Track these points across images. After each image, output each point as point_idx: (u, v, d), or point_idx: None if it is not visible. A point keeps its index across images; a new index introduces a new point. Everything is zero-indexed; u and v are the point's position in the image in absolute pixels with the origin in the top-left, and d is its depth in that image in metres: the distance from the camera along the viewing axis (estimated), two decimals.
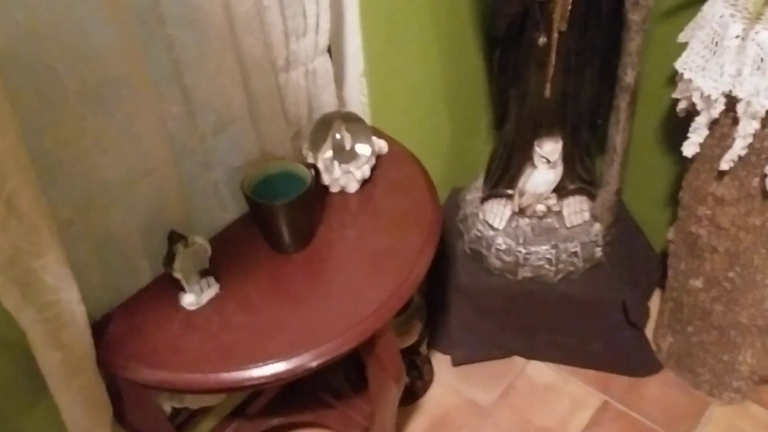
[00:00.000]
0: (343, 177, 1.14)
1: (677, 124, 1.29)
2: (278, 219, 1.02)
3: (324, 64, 1.19)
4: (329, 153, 1.17)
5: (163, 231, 1.00)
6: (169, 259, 0.95)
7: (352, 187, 1.16)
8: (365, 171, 1.16)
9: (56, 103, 0.83)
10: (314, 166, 1.07)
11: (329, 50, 1.20)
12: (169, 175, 1.00)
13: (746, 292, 1.31)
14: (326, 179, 1.15)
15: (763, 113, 1.04)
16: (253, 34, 1.02)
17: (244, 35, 1.01)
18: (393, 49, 1.33)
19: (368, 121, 1.35)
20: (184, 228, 1.03)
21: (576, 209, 1.47)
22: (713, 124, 1.16)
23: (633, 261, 1.56)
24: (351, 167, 1.14)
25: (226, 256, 1.07)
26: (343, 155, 1.16)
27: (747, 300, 1.31)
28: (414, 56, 1.40)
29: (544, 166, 1.39)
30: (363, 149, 1.18)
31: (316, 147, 1.15)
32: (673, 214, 1.44)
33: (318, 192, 1.10)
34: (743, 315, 1.34)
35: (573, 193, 1.47)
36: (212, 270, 1.01)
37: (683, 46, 1.16)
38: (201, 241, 0.99)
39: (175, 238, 0.96)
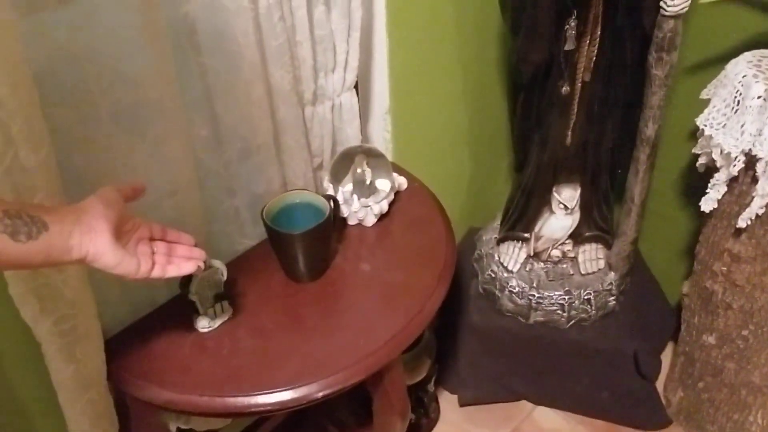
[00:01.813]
0: (362, 210, 1.16)
1: (696, 178, 1.29)
2: (295, 248, 1.04)
3: (350, 99, 1.22)
4: (349, 186, 1.19)
5: None
6: (186, 281, 0.97)
7: (370, 220, 1.18)
8: (383, 206, 1.17)
9: (89, 122, 0.86)
10: (333, 198, 1.08)
11: (356, 86, 1.23)
12: (192, 198, 1.02)
13: (759, 351, 1.29)
14: (345, 211, 1.16)
15: None
16: (283, 67, 1.05)
17: (274, 68, 1.04)
18: (419, 88, 1.36)
19: (390, 157, 1.37)
20: (205, 248, 1.04)
21: (591, 257, 1.47)
22: (732, 181, 1.16)
23: (646, 312, 1.55)
24: (370, 201, 1.16)
25: (242, 281, 1.08)
26: (363, 189, 1.18)
27: (760, 359, 1.30)
28: (439, 97, 1.43)
29: (562, 212, 1.40)
30: (383, 184, 1.20)
31: (337, 179, 1.17)
32: (689, 267, 1.44)
33: (336, 224, 1.11)
34: (755, 374, 1.32)
35: (589, 240, 1.47)
36: (227, 294, 1.02)
37: (705, 102, 1.18)
38: (218, 265, 1.00)
39: None
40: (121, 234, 0.74)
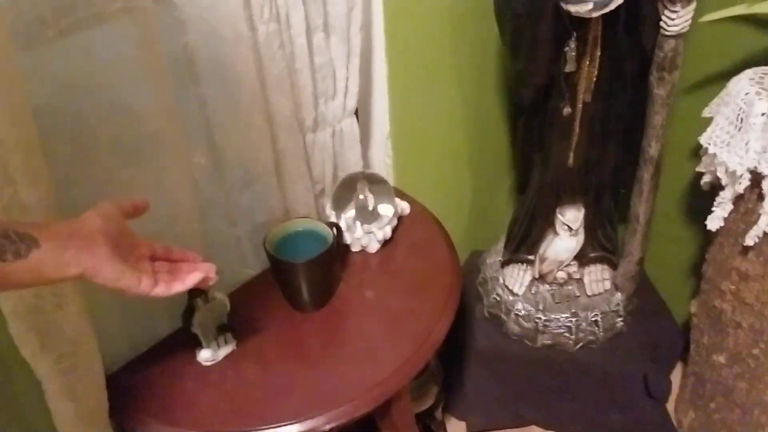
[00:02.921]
0: (365, 237, 1.15)
1: (701, 196, 1.28)
2: (298, 277, 1.02)
3: (351, 125, 1.22)
4: (352, 213, 1.18)
5: None
6: (188, 313, 0.95)
7: (374, 247, 1.16)
8: (387, 232, 1.16)
9: (88, 155, 0.85)
10: (336, 226, 1.07)
11: (356, 112, 1.23)
12: (193, 228, 1.01)
13: None
14: (348, 238, 1.15)
15: None
16: (283, 95, 1.04)
17: (274, 96, 1.04)
18: (419, 112, 1.35)
19: (392, 181, 1.37)
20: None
21: (597, 278, 1.45)
22: (738, 198, 1.15)
23: (655, 332, 1.53)
24: (373, 227, 1.15)
25: (245, 312, 1.06)
26: (366, 215, 1.17)
27: None
28: (439, 120, 1.42)
29: (566, 234, 1.39)
30: (385, 210, 1.19)
31: (339, 206, 1.16)
32: (696, 286, 1.42)
33: (339, 251, 1.10)
34: (767, 394, 1.30)
35: (594, 261, 1.45)
36: (230, 326, 1.01)
37: (708, 120, 1.17)
38: (220, 297, 0.99)
39: (195, 293, 0.96)
40: (120, 249, 0.69)
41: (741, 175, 1.08)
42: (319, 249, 1.02)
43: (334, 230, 1.05)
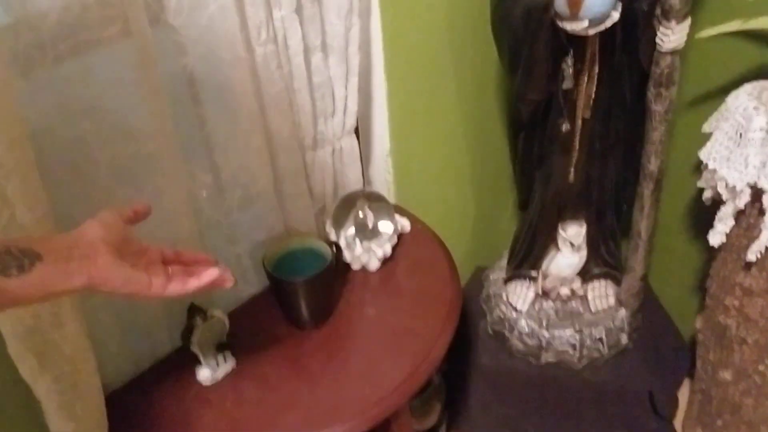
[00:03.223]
0: (365, 255, 1.15)
1: (704, 211, 1.28)
2: (297, 295, 1.03)
3: (350, 143, 1.22)
4: (352, 230, 1.18)
5: (184, 303, 1.01)
6: (188, 332, 0.96)
7: (374, 265, 1.17)
8: (387, 249, 1.16)
9: (87, 177, 0.86)
10: (336, 244, 1.08)
11: (356, 130, 1.24)
12: (193, 248, 1.01)
13: None
14: (348, 256, 1.16)
15: None
16: (282, 114, 1.05)
17: (273, 115, 1.05)
18: (419, 130, 1.36)
19: (393, 198, 1.37)
20: (204, 300, 1.04)
21: (601, 294, 1.45)
22: (739, 214, 1.14)
23: (660, 348, 1.52)
24: (373, 245, 1.15)
25: (245, 330, 1.07)
26: (366, 233, 1.17)
27: None
28: (440, 137, 1.43)
29: (568, 250, 1.38)
30: (385, 228, 1.19)
31: (339, 224, 1.16)
32: (702, 302, 1.41)
33: (339, 269, 1.11)
34: None
35: (598, 277, 1.45)
36: (230, 344, 1.01)
37: (709, 134, 1.17)
38: (220, 315, 0.99)
39: (194, 311, 0.97)
40: (125, 255, 0.66)
41: (741, 191, 1.08)
42: (318, 267, 1.02)
43: (334, 248, 1.06)
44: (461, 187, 1.56)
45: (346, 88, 1.16)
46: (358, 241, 1.15)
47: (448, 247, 1.25)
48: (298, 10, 1.02)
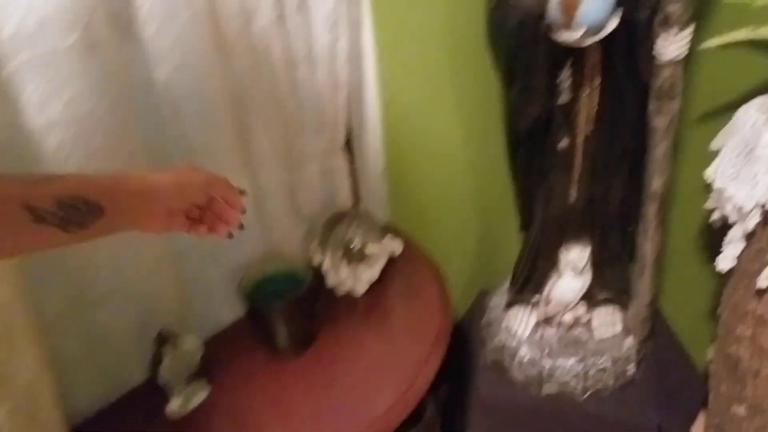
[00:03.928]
0: (350, 278, 1.09)
1: (716, 234, 1.20)
2: (274, 322, 0.97)
3: (340, 161, 1.17)
4: (337, 252, 1.12)
5: (158, 329, 0.96)
6: (156, 362, 0.90)
7: (360, 288, 1.11)
8: (374, 273, 1.11)
9: None
10: (316, 267, 1.02)
11: (349, 146, 1.19)
12: (165, 272, 0.96)
13: None
14: (333, 280, 1.10)
15: None
16: (263, 129, 1.01)
17: (253, 130, 1.00)
18: (415, 146, 1.31)
19: (387, 218, 1.32)
20: (180, 326, 0.99)
21: (607, 320, 1.37)
22: (750, 236, 1.07)
23: (671, 379, 1.43)
24: (359, 268, 1.09)
25: (222, 358, 1.01)
26: (352, 255, 1.12)
27: None
28: (438, 153, 1.37)
29: (571, 274, 1.31)
30: (373, 250, 1.13)
31: (325, 246, 1.11)
32: (716, 329, 1.33)
33: (322, 293, 1.05)
34: None
35: (603, 302, 1.37)
36: (203, 372, 0.95)
37: (718, 153, 1.10)
38: (192, 343, 0.94)
39: (163, 339, 0.92)
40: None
41: (751, 211, 1.01)
42: (298, 292, 0.97)
43: (315, 272, 1.00)
44: (462, 206, 1.50)
45: (334, 103, 1.11)
46: (343, 264, 1.09)
47: (448, 269, 1.19)
48: (280, 21, 0.97)
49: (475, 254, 1.58)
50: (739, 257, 1.11)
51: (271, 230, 1.09)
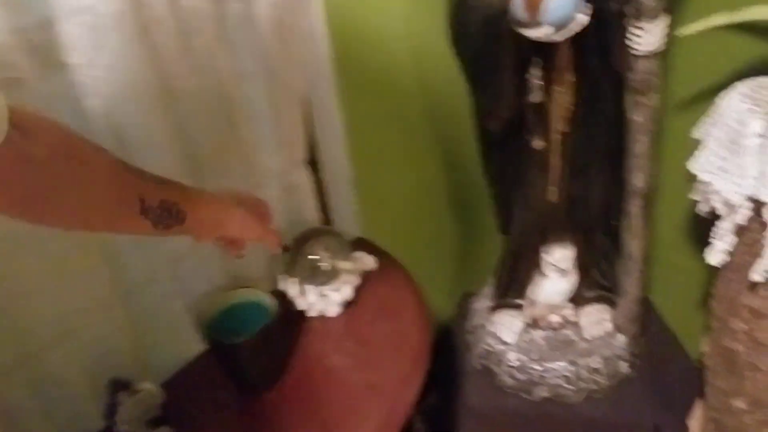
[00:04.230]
0: (320, 301, 1.03)
1: (705, 221, 1.14)
2: (239, 358, 0.91)
3: (302, 176, 1.11)
4: (305, 274, 1.05)
5: (115, 372, 0.89)
6: (110, 411, 0.84)
7: (332, 311, 1.04)
8: (346, 293, 1.04)
9: None
10: (282, 293, 0.96)
11: (314, 161, 1.12)
12: (116, 312, 0.90)
13: None
14: (302, 304, 1.03)
15: None
16: (217, 149, 0.94)
17: (204, 152, 0.93)
18: (383, 154, 1.24)
19: (359, 231, 1.25)
20: (138, 368, 0.92)
21: (595, 319, 1.31)
22: (741, 228, 1.01)
23: (666, 374, 1.38)
24: (329, 290, 1.03)
25: (186, 397, 0.95)
26: (322, 276, 1.04)
27: None
28: (407, 159, 1.31)
29: (555, 275, 1.25)
30: (344, 269, 1.06)
31: (290, 268, 1.04)
32: (709, 317, 1.27)
33: (292, 320, 0.99)
34: None
35: (591, 301, 1.32)
36: (165, 418, 0.89)
37: (700, 140, 1.04)
38: (149, 387, 0.88)
39: (117, 386, 0.85)
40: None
41: (740, 205, 0.95)
42: (264, 322, 0.90)
43: (280, 299, 0.93)
44: (437, 211, 1.44)
45: (290, 117, 1.04)
46: (311, 287, 1.02)
47: (429, 275, 1.12)
48: (223, 36, 0.90)
49: (455, 257, 1.53)
50: (731, 250, 1.05)
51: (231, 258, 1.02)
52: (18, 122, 0.52)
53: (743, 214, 0.96)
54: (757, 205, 0.95)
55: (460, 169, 1.42)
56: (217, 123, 0.95)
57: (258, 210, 0.84)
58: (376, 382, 0.94)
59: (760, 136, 0.90)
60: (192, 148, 0.92)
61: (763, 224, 0.96)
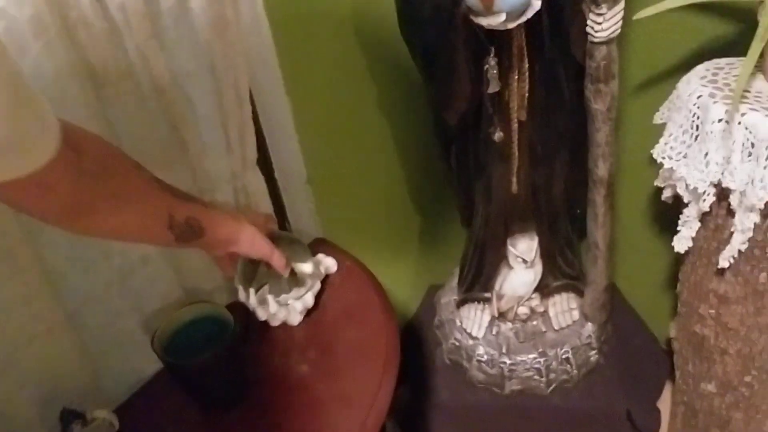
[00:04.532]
0: (281, 310, 0.98)
1: (668, 205, 1.13)
2: (199, 378, 0.86)
3: (255, 178, 1.05)
4: (264, 283, 1.01)
5: (67, 400, 0.84)
6: None
7: (295, 319, 1.00)
8: (307, 300, 1.00)
9: None
10: (241, 307, 0.91)
11: (267, 161, 1.07)
12: (62, 337, 0.84)
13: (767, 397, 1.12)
14: (262, 315, 0.99)
15: (761, 205, 0.88)
16: (160, 157, 0.88)
17: (147, 159, 0.87)
18: (338, 150, 1.20)
19: (318, 231, 1.21)
20: (92, 392, 0.87)
21: (563, 308, 1.30)
22: (706, 214, 1.00)
23: (635, 358, 1.38)
24: (290, 298, 0.98)
25: (145, 421, 0.90)
26: (281, 285, 1.00)
27: None
28: (364, 153, 1.27)
29: (521, 266, 1.23)
30: (305, 271, 1.02)
31: (247, 279, 0.99)
32: (675, 300, 1.27)
33: (252, 331, 0.94)
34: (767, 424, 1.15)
35: (558, 290, 1.30)
36: None
37: (662, 125, 1.02)
38: (104, 415, 0.82)
39: (70, 417, 0.80)
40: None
41: (704, 192, 0.93)
42: (222, 337, 0.86)
43: (238, 312, 0.89)
44: (399, 204, 1.40)
45: (239, 117, 0.98)
46: (270, 297, 0.98)
47: (393, 270, 1.09)
48: (158, 34, 0.84)
49: (419, 250, 1.49)
50: (696, 235, 1.04)
51: (184, 270, 0.97)
52: (68, 137, 0.56)
53: (708, 201, 0.95)
54: (722, 190, 0.94)
55: (421, 161, 1.38)
56: (158, 127, 0.89)
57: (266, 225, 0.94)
58: (345, 392, 0.91)
59: (723, 121, 0.88)
60: (131, 155, 0.86)
61: (729, 209, 0.95)
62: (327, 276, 1.07)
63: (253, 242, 0.86)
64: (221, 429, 0.90)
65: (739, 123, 0.86)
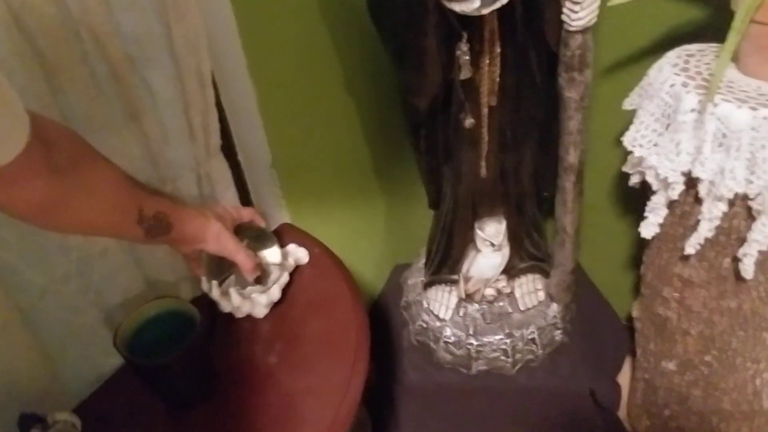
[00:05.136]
0: (245, 303, 0.95)
1: (633, 187, 1.13)
2: (164, 378, 0.83)
3: (219, 165, 1.02)
4: (230, 274, 0.98)
5: (24, 402, 0.80)
6: None
7: (260, 312, 0.97)
8: (273, 293, 0.97)
9: None
10: (206, 301, 0.88)
11: (231, 147, 1.03)
12: (17, 337, 0.80)
13: (726, 376, 1.15)
14: (225, 307, 0.96)
15: (730, 195, 0.89)
16: (118, 145, 0.84)
17: (105, 147, 0.82)
18: (303, 133, 1.16)
19: (285, 215, 1.18)
20: (51, 392, 0.83)
21: (529, 289, 1.31)
22: (673, 201, 1.00)
23: (598, 336, 1.40)
24: (254, 291, 0.96)
25: (108, 420, 0.87)
26: (245, 277, 0.97)
27: (728, 385, 1.16)
28: (331, 135, 1.23)
29: (489, 249, 1.23)
30: (270, 265, 0.99)
31: (211, 271, 0.96)
32: (637, 280, 1.28)
33: (217, 324, 0.92)
34: (725, 401, 1.18)
35: (524, 272, 1.30)
36: None
37: (632, 111, 1.01)
38: (65, 418, 0.79)
39: (30, 421, 0.77)
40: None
41: (674, 181, 0.93)
42: (186, 333, 0.83)
43: (202, 308, 0.86)
44: (366, 186, 1.38)
45: (201, 102, 0.94)
46: (233, 290, 0.95)
47: (359, 248, 1.06)
48: (114, 18, 0.79)
49: (385, 230, 1.48)
50: (662, 221, 1.05)
51: (146, 262, 0.94)
52: (38, 131, 0.54)
53: (677, 190, 0.95)
54: (690, 178, 0.94)
55: (388, 142, 1.36)
56: (115, 116, 0.85)
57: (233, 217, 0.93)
58: (314, 385, 0.89)
59: (695, 111, 0.88)
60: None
61: (696, 197, 0.95)
62: (297, 266, 1.05)
63: (218, 240, 0.86)
64: (189, 424, 0.87)
65: (712, 113, 0.86)
